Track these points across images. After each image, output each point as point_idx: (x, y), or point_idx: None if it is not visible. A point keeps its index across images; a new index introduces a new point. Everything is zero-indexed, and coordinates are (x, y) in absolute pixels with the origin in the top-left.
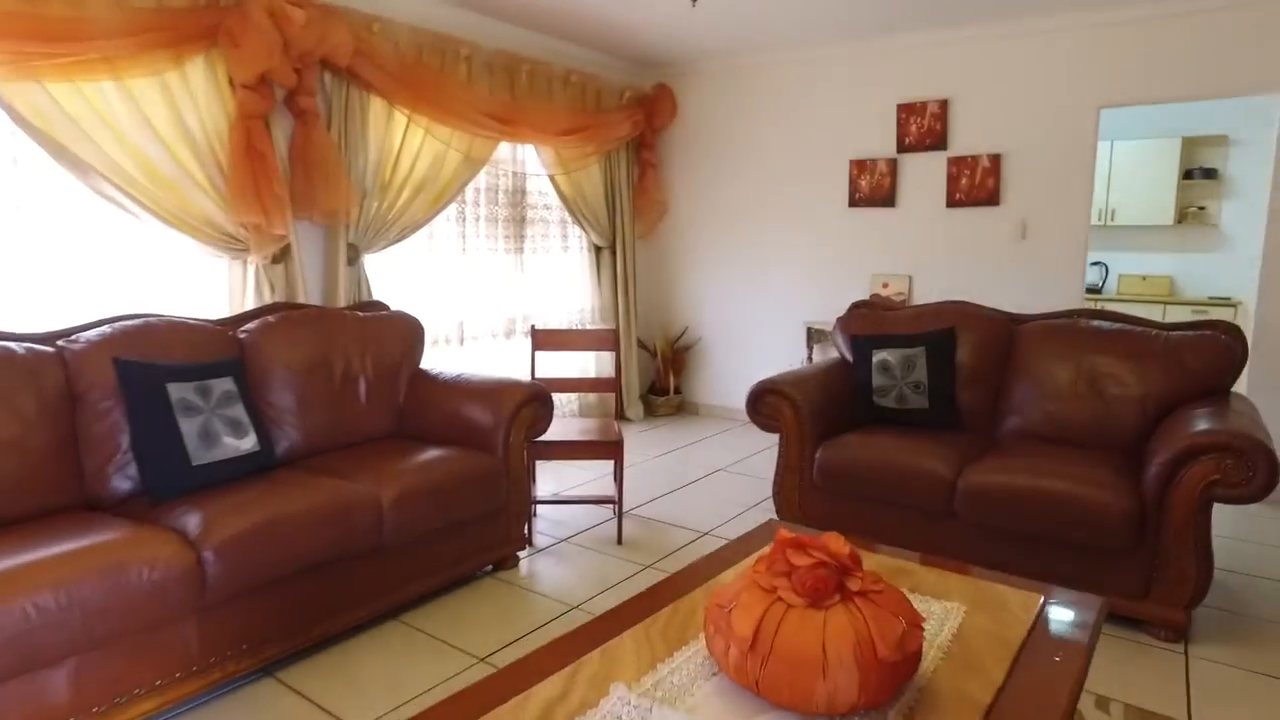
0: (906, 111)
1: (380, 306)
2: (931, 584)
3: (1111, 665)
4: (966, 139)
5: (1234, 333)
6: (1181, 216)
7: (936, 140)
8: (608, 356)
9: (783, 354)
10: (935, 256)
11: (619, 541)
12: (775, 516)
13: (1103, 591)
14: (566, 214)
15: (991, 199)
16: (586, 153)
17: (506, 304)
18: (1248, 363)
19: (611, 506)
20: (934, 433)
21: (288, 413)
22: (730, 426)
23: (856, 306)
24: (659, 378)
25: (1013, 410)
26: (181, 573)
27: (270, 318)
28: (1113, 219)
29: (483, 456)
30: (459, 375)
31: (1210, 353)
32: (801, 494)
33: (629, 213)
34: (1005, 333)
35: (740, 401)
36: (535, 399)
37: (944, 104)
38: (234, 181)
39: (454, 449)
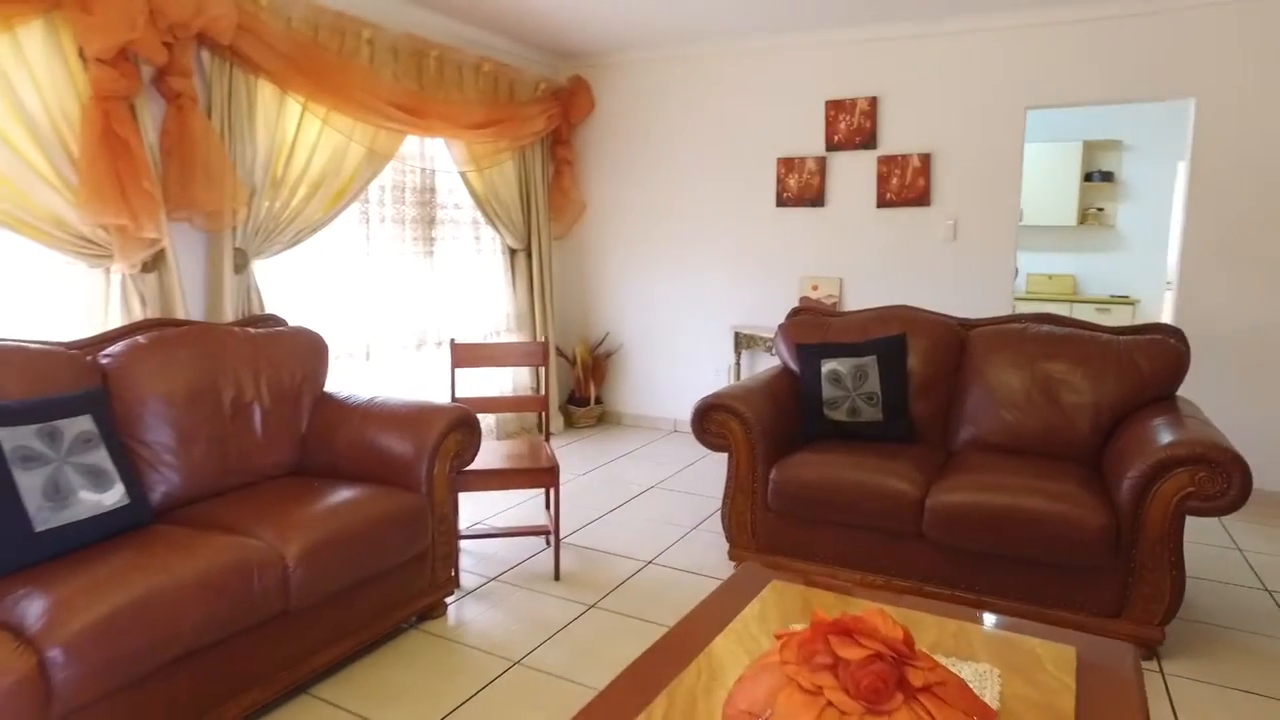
0: (835, 109)
1: (275, 321)
2: (950, 640)
3: None
4: (897, 138)
5: (1179, 336)
6: (1083, 217)
7: (866, 139)
8: (527, 369)
9: (709, 360)
10: (866, 258)
11: (556, 578)
12: (723, 539)
13: (1077, 611)
14: (479, 214)
15: (922, 199)
16: (499, 148)
17: (416, 313)
18: None
19: (546, 537)
20: (889, 447)
21: (166, 453)
22: (656, 437)
23: (796, 313)
24: (579, 387)
25: (967, 420)
26: (14, 685)
27: (140, 338)
28: (1021, 219)
29: (403, 494)
30: (372, 399)
31: (1162, 357)
32: (754, 517)
33: (545, 213)
34: (955, 339)
35: (666, 411)
36: (461, 424)
37: (873, 101)
38: (89, 174)
39: (369, 486)
